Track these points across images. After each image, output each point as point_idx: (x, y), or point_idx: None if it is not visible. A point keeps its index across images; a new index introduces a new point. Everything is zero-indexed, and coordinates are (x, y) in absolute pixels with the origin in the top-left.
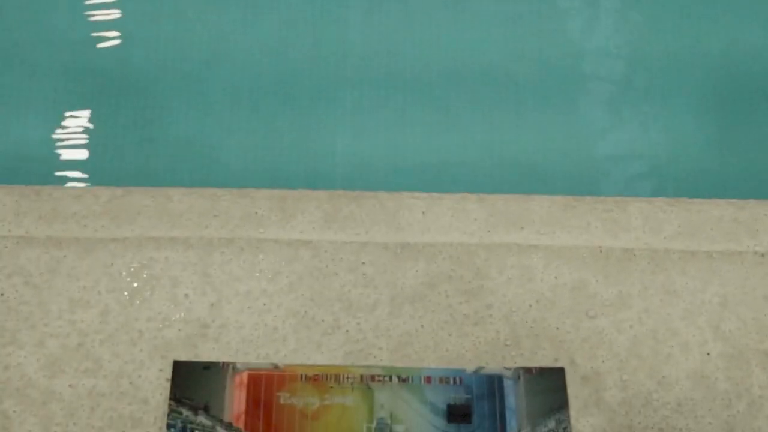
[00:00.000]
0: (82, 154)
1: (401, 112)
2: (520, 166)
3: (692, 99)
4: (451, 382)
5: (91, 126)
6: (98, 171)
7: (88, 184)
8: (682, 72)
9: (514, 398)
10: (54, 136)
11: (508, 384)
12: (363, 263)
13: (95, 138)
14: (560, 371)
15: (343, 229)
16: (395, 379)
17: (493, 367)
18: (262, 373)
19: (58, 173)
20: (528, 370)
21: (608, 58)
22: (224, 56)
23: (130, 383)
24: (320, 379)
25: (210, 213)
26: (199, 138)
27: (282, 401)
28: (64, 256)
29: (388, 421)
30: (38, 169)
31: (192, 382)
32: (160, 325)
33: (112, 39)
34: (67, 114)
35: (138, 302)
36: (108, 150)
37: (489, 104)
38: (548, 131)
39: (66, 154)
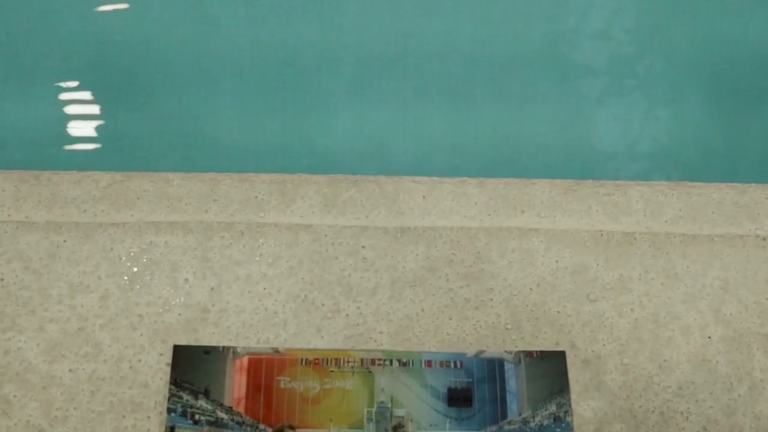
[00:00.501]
0: (82, 139)
1: (401, 97)
2: (522, 150)
3: (695, 83)
4: (452, 365)
5: (90, 111)
6: (98, 156)
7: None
8: (686, 57)
9: (514, 382)
10: (53, 122)
11: (508, 368)
12: (363, 247)
13: (95, 123)
14: (561, 355)
15: (343, 213)
16: (396, 363)
17: (493, 350)
18: (262, 357)
19: (57, 158)
20: (529, 354)
21: (612, 44)
22: (224, 41)
23: (131, 368)
24: (320, 363)
25: (210, 197)
26: (199, 123)
27: (282, 385)
28: (64, 240)
29: (389, 405)
30: (38, 153)
31: (192, 367)
32: (160, 310)
33: (112, 26)
34: (67, 99)
35: (138, 287)
36: (108, 135)
37: (491, 88)
38: (550, 115)
39: (65, 139)
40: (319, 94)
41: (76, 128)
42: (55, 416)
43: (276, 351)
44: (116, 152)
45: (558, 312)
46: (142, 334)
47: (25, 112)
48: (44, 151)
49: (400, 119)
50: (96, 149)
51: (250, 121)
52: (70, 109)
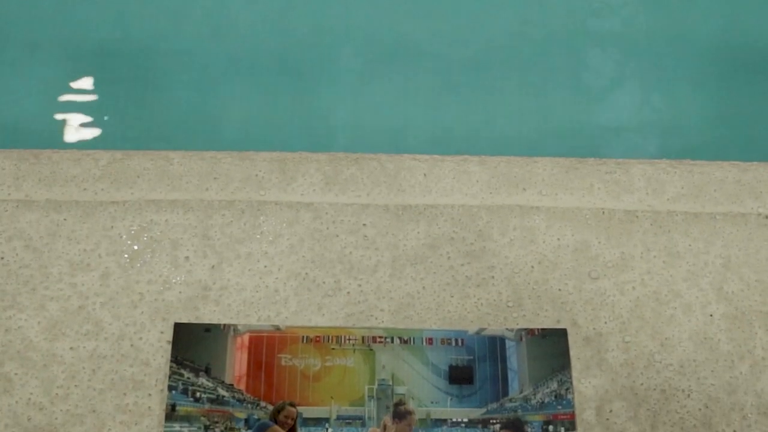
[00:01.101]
0: (83, 118)
1: (404, 75)
2: (523, 128)
3: (697, 63)
4: (453, 343)
5: (91, 91)
6: (98, 135)
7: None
8: (690, 35)
9: (516, 359)
10: (54, 102)
11: (510, 345)
12: (364, 225)
13: (95, 103)
14: (562, 332)
15: (344, 191)
16: (397, 341)
17: (495, 328)
18: (263, 334)
19: (57, 137)
20: (530, 332)
21: (614, 21)
22: (226, 23)
23: (131, 345)
24: (321, 341)
25: (210, 175)
26: (200, 102)
27: (283, 363)
28: (64, 219)
29: (390, 383)
30: (38, 133)
31: (193, 344)
32: (161, 288)
33: (114, 8)
34: (68, 80)
35: (138, 265)
36: (108, 114)
37: (493, 67)
38: (552, 95)
39: (66, 118)
40: (320, 73)
41: (76, 108)
42: (57, 394)
43: (277, 329)
44: (116, 132)
45: (559, 290)
46: (142, 312)
47: (26, 91)
48: (44, 130)
49: (402, 98)
50: (96, 129)
51: (251, 101)
52: (70, 90)
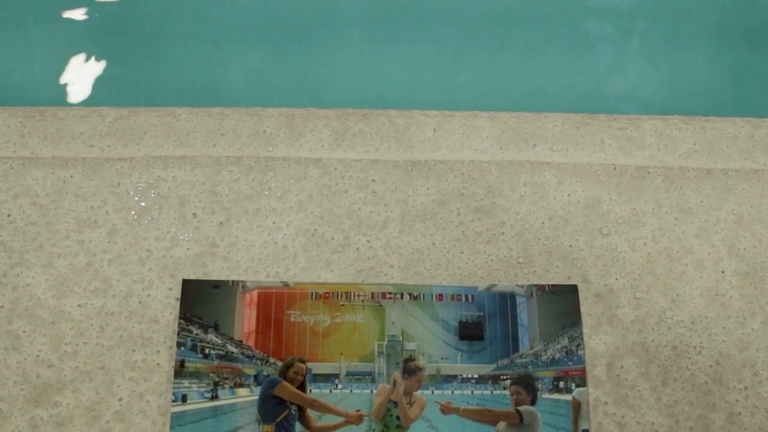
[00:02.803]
0: (88, 75)
1: (412, 31)
2: (533, 85)
3: (712, 18)
4: (463, 299)
5: (98, 47)
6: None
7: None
8: None
9: (526, 315)
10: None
11: (520, 301)
12: (373, 181)
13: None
14: (573, 289)
15: (353, 146)
16: (407, 297)
17: (505, 284)
18: (272, 291)
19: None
20: (540, 288)
21: None
22: None
23: (140, 302)
24: (331, 297)
25: (217, 131)
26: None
27: (292, 319)
28: (71, 176)
29: (400, 339)
30: (43, 91)
31: (201, 301)
32: (169, 244)
33: None
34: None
35: (146, 221)
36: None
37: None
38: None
39: (72, 75)
40: (329, 27)
41: (82, 66)
42: (65, 351)
43: (286, 285)
44: (122, 88)
45: (570, 246)
46: (150, 269)
47: (30, 49)
48: (50, 88)
49: (411, 54)
50: (103, 86)
51: (259, 55)
52: (76, 46)
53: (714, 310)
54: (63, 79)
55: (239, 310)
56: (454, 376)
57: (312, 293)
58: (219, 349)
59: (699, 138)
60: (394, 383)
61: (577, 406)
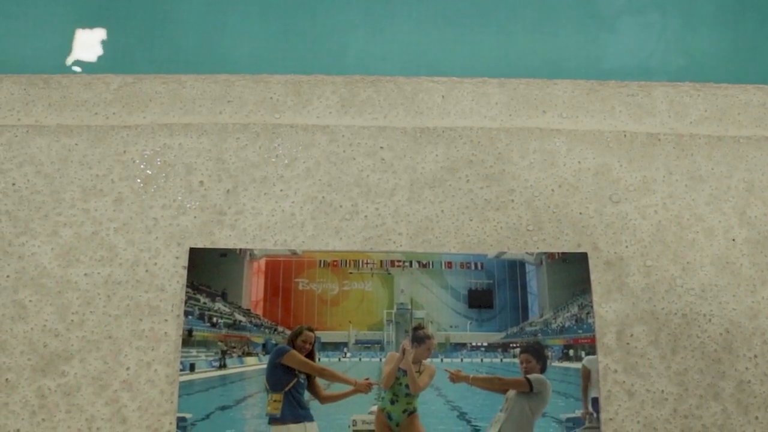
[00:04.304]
0: (93, 42)
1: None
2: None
3: None
4: (472, 267)
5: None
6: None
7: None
8: None
9: (536, 283)
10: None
11: (530, 269)
12: (381, 148)
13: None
14: (583, 256)
15: (361, 113)
16: (415, 265)
17: (514, 252)
18: (280, 259)
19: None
20: (550, 256)
21: None
22: None
23: (146, 271)
24: (339, 265)
25: (224, 99)
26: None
27: (300, 287)
28: (76, 144)
29: (409, 307)
30: (47, 59)
31: (209, 270)
32: (175, 213)
33: None
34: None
35: (152, 190)
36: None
37: None
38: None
39: (76, 42)
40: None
41: (87, 33)
42: (72, 320)
43: (294, 253)
44: (127, 55)
45: (580, 213)
46: (157, 238)
47: (34, 16)
48: (54, 55)
49: (420, 19)
50: (107, 53)
51: (265, 21)
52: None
53: (724, 278)
54: (67, 47)
55: (247, 278)
56: (464, 345)
57: (320, 261)
58: (227, 318)
59: (710, 105)
60: (403, 351)
61: (586, 374)
